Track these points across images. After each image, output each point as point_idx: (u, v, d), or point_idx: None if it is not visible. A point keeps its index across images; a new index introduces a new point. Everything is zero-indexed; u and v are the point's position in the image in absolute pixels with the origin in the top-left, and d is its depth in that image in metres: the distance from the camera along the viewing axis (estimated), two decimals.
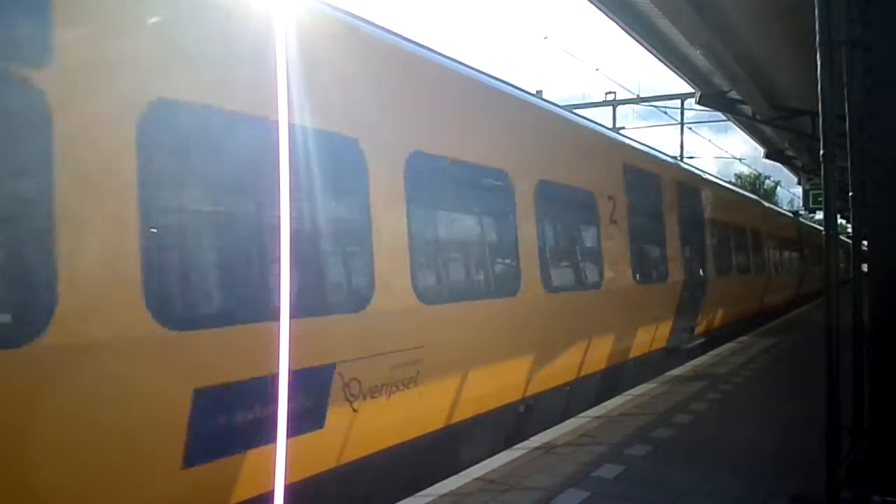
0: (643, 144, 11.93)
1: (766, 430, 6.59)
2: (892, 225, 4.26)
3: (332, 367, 4.29)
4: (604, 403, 7.92)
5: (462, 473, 5.25)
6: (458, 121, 6.10)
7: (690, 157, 27.59)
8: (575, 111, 11.05)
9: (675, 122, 26.99)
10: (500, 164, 6.45)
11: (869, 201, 4.42)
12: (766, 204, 23.63)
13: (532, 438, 6.31)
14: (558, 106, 9.55)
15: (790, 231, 24.17)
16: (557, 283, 7.35)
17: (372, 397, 4.64)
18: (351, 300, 4.79)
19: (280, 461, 2.25)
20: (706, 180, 14.61)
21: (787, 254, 22.89)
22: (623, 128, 24.01)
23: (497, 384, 6.32)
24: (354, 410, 4.48)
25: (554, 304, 7.12)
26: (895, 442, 4.14)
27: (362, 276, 4.83)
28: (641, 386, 9.07)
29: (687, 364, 11.15)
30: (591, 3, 12.12)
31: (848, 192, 4.57)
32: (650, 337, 10.24)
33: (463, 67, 6.54)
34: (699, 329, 12.72)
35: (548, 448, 6.01)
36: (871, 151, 4.33)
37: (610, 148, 9.91)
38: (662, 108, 26.25)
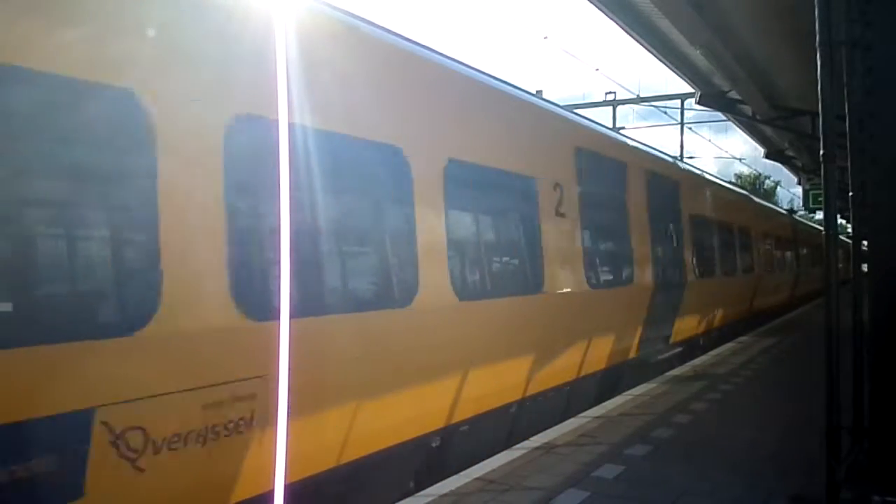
0: (608, 128, 10.72)
1: (766, 430, 6.59)
2: (892, 225, 4.26)
3: (88, 413, 3.11)
4: (604, 403, 7.92)
5: (462, 473, 5.25)
6: (319, 81, 4.43)
7: (690, 157, 27.62)
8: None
9: (675, 122, 27.02)
10: (386, 136, 5.03)
11: (869, 201, 4.42)
12: (757, 200, 22.15)
13: (532, 438, 6.30)
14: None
15: (784, 229, 22.90)
16: (477, 288, 6.19)
17: (171, 449, 3.41)
18: (119, 317, 3.48)
19: (280, 462, 2.24)
20: (686, 172, 13.18)
21: (780, 253, 21.66)
22: (623, 128, 24.01)
23: (391, 418, 5.06)
24: (139, 469, 3.30)
25: (472, 314, 5.86)
26: (895, 442, 4.15)
27: (140, 282, 3.52)
28: (641, 386, 9.06)
29: (687, 364, 11.13)
30: (591, 3, 12.12)
31: (848, 192, 4.57)
32: (612, 349, 8.77)
33: (330, 9, 5.08)
34: (676, 337, 11.41)
35: (548, 448, 6.01)
36: (871, 151, 4.33)
37: (557, 127, 8.18)
38: (662, 108, 26.28)
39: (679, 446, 6.19)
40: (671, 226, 11.21)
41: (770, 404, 7.93)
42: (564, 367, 7.62)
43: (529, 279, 6.94)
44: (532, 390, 6.91)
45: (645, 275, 9.70)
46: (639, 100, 25.67)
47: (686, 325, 11.82)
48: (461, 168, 5.77)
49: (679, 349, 11.61)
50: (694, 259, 12.07)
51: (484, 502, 4.68)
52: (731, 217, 15.37)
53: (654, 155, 11.69)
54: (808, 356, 9.26)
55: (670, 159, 12.72)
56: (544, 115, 8.13)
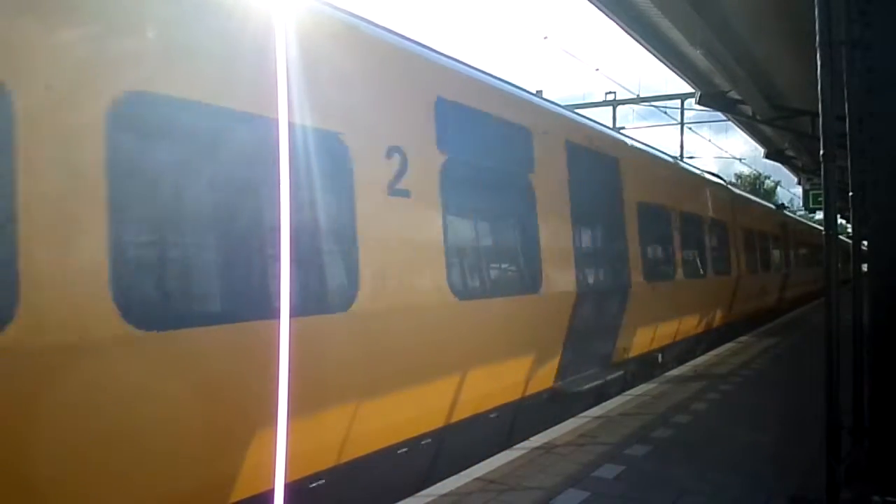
0: (507, 82, 7.28)
1: (766, 430, 6.59)
2: (892, 225, 4.26)
3: None
4: (603, 404, 7.92)
5: (462, 473, 5.25)
6: None
7: (691, 157, 27.65)
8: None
9: (675, 122, 27.06)
10: None
11: (869, 201, 4.42)
12: (738, 191, 19.10)
13: (532, 438, 6.30)
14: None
15: (772, 225, 20.70)
16: (204, 309, 3.91)
17: None
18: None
19: (280, 461, 2.25)
20: (632, 148, 10.48)
21: (766, 252, 19.31)
22: (623, 128, 24.03)
23: None
24: None
25: (186, 349, 3.53)
26: (895, 442, 4.15)
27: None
28: (641, 386, 9.06)
29: (687, 364, 11.10)
30: (591, 3, 12.13)
31: (848, 192, 4.57)
32: (504, 380, 6.48)
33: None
34: (621, 356, 9.15)
35: (548, 448, 6.01)
36: (871, 152, 4.34)
37: (396, 64, 5.46)
38: (662, 108, 26.32)
39: (679, 446, 6.19)
40: (608, 216, 8.93)
41: (770, 404, 7.93)
42: (411, 417, 5.31)
43: (327, 289, 4.61)
44: (345, 457, 4.61)
45: (563, 278, 7.34)
46: (639, 100, 25.71)
47: (635, 340, 9.59)
48: (166, 108, 3.56)
49: (626, 370, 9.26)
50: (644, 258, 9.77)
51: (484, 502, 4.68)
52: (702, 208, 13.29)
53: (578, 121, 8.96)
54: (808, 356, 9.26)
55: (606, 129, 10.18)
56: (366, 42, 5.18)
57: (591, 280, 8.13)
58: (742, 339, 14.63)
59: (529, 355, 6.87)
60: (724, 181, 16.51)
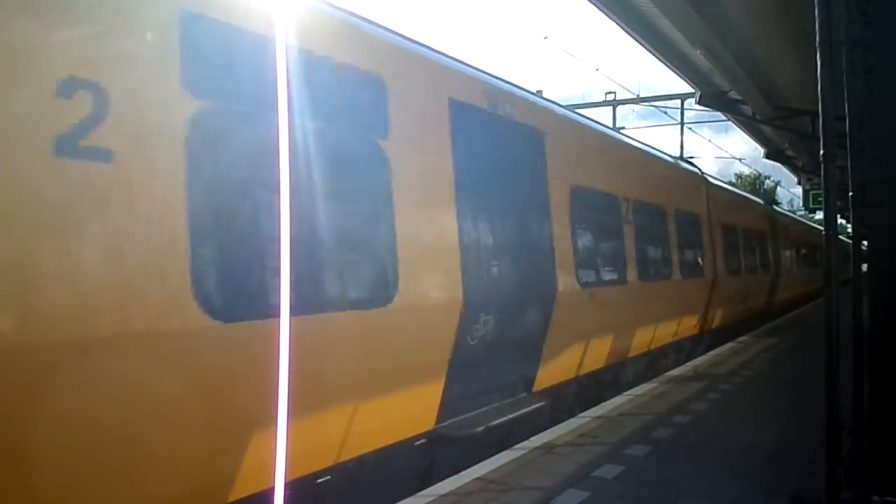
0: (353, 14, 5.13)
1: (766, 430, 6.59)
2: (892, 225, 4.27)
3: None
4: (603, 403, 7.92)
5: (462, 473, 5.25)
6: None
7: (691, 157, 27.62)
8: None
9: (675, 122, 27.03)
10: None
11: (869, 201, 4.43)
12: (714, 181, 15.75)
13: (532, 438, 6.31)
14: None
15: (758, 222, 18.78)
16: None
17: None
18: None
19: (280, 460, 2.24)
20: (562, 117, 8.43)
21: (750, 251, 17.22)
22: (623, 127, 24.02)
23: None
24: None
25: None
26: (895, 442, 4.15)
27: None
28: (641, 386, 9.06)
29: (687, 364, 11.09)
30: (591, 3, 12.14)
31: (848, 192, 4.58)
32: (340, 430, 4.65)
33: None
34: (548, 381, 7.30)
35: (548, 448, 6.01)
36: (871, 151, 4.35)
37: None
38: (662, 108, 26.29)
39: (679, 446, 6.19)
40: (523, 203, 6.94)
41: (770, 404, 7.93)
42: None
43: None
44: None
45: (438, 284, 5.56)
46: (639, 100, 25.69)
47: (569, 360, 7.77)
48: None
49: (553, 398, 7.39)
50: (579, 257, 7.83)
51: (484, 502, 4.68)
52: (667, 198, 11.32)
53: (474, 77, 6.57)
54: (808, 356, 9.26)
55: (524, 93, 7.64)
56: None
57: (488, 286, 6.17)
58: (742, 338, 14.63)
59: (380, 393, 5.01)
60: (699, 169, 14.35)
